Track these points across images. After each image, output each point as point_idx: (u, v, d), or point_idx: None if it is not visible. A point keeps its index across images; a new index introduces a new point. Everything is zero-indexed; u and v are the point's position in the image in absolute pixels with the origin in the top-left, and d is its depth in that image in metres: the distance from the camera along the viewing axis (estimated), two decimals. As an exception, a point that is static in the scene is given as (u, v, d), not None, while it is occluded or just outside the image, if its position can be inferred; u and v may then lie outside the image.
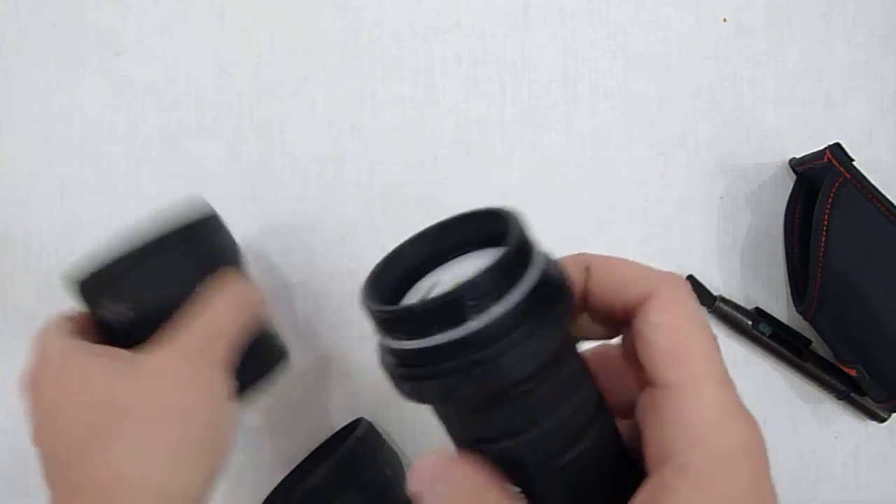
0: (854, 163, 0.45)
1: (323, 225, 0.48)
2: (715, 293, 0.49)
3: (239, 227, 0.48)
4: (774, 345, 0.48)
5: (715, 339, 0.20)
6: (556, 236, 0.48)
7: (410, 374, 0.18)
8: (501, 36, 0.50)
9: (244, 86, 0.49)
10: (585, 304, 0.22)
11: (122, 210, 0.47)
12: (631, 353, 0.21)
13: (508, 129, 0.49)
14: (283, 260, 0.48)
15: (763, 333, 0.48)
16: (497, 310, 0.18)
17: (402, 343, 0.18)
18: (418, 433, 0.48)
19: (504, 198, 0.49)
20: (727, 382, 0.19)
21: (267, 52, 0.49)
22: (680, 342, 0.20)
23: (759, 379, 0.50)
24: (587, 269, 0.21)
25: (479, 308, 0.17)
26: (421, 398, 0.19)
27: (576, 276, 0.21)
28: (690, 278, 0.49)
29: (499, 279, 0.18)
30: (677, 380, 0.19)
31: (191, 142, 0.48)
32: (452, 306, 0.17)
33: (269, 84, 0.49)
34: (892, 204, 0.45)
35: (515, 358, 0.18)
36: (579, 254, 0.22)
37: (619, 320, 0.21)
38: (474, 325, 0.17)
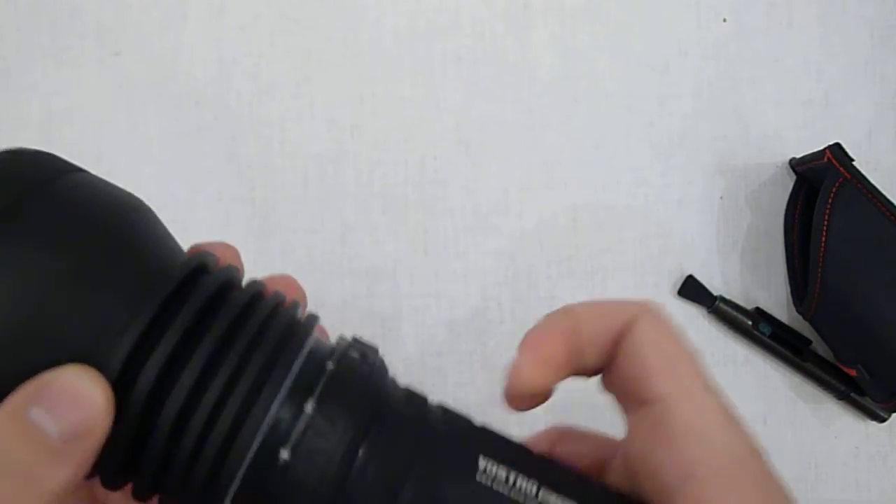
0: (854, 163, 0.45)
1: (323, 225, 0.48)
2: (715, 293, 0.49)
3: (239, 227, 0.48)
4: (774, 345, 0.48)
5: (697, 351, 0.21)
6: (556, 236, 0.48)
7: None
8: (501, 36, 0.50)
9: (244, 86, 0.49)
10: (574, 359, 0.22)
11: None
12: (615, 383, 0.21)
13: (508, 129, 0.49)
14: (283, 260, 0.48)
15: (763, 333, 0.48)
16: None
17: None
18: (418, 433, 0.48)
19: (504, 198, 0.49)
20: (718, 390, 0.20)
21: (267, 52, 0.49)
22: (671, 355, 0.20)
23: (759, 379, 0.50)
24: (568, 314, 0.22)
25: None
26: None
27: (562, 327, 0.22)
28: (690, 278, 0.49)
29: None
30: (675, 390, 0.19)
31: (191, 142, 0.48)
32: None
33: (269, 84, 0.49)
34: (892, 204, 0.45)
35: None
36: (559, 318, 0.22)
37: (601, 359, 0.22)
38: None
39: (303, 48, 0.49)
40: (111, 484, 0.18)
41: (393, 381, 0.21)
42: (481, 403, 0.48)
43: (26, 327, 0.17)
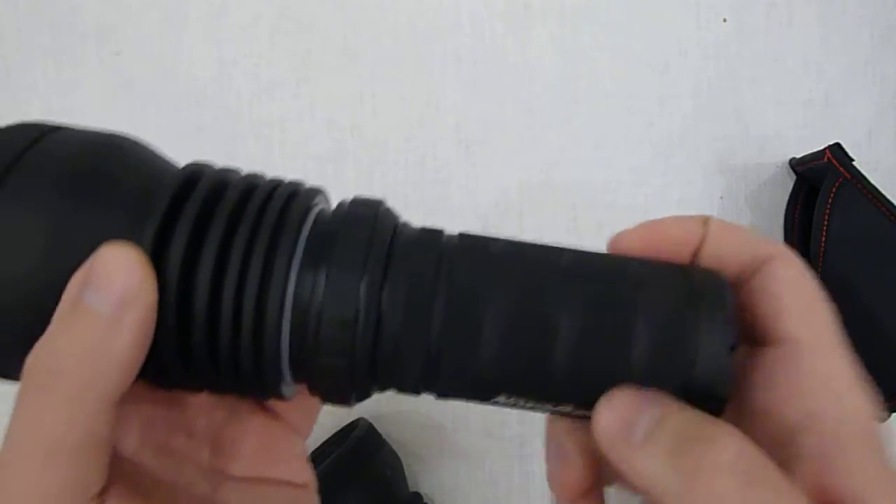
0: (854, 163, 0.45)
1: (323, 225, 0.48)
2: (715, 293, 0.49)
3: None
4: (774, 345, 0.48)
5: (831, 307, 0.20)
6: (556, 237, 0.48)
7: None
8: (501, 36, 0.50)
9: (244, 86, 0.49)
10: (696, 257, 0.21)
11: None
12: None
13: (508, 129, 0.49)
14: (283, 260, 0.48)
15: (763, 333, 0.48)
16: None
17: None
18: (418, 433, 0.48)
19: (504, 198, 0.49)
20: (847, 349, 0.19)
21: (267, 52, 0.49)
22: (809, 301, 0.19)
23: (759, 379, 0.50)
24: (705, 222, 0.21)
25: None
26: None
27: (693, 228, 0.21)
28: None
29: None
30: (810, 336, 0.19)
31: (191, 142, 0.48)
32: None
33: (269, 84, 0.49)
34: (892, 204, 0.45)
35: None
36: (691, 220, 0.22)
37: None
38: None
39: (303, 48, 0.49)
40: (171, 382, 0.20)
41: (405, 223, 0.21)
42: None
43: (63, 239, 0.18)
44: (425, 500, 0.45)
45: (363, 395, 0.21)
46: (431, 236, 0.20)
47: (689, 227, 0.21)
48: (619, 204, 0.49)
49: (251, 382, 0.20)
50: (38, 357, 0.17)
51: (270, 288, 0.18)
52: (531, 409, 0.20)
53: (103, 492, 0.18)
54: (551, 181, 0.49)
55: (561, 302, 0.19)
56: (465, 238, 0.20)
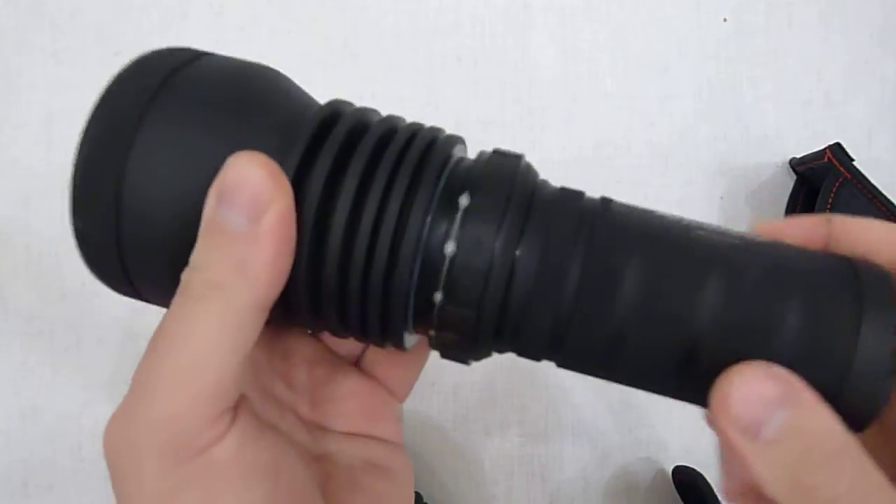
0: (854, 163, 0.45)
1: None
2: (715, 293, 0.49)
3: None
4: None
5: None
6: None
7: None
8: (501, 36, 0.50)
9: (244, 86, 0.49)
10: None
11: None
12: None
13: (508, 129, 0.49)
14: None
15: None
16: None
17: None
18: (418, 433, 0.48)
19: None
20: None
21: (267, 51, 0.49)
22: None
23: (759, 379, 0.50)
24: (828, 221, 0.20)
25: None
26: None
27: (815, 228, 0.20)
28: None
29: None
30: None
31: (191, 142, 0.48)
32: None
33: (269, 84, 0.49)
34: (892, 204, 0.45)
35: None
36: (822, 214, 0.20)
37: None
38: None
39: (303, 48, 0.49)
40: (307, 321, 0.20)
41: (544, 181, 0.21)
42: (482, 401, 0.48)
43: (208, 156, 0.18)
44: (425, 500, 0.45)
45: (483, 354, 0.20)
46: (572, 196, 0.20)
47: (810, 228, 0.20)
48: (619, 204, 0.49)
49: (375, 325, 0.19)
50: (191, 271, 0.18)
51: (407, 230, 0.18)
52: (655, 390, 0.19)
53: (236, 406, 0.18)
54: (551, 181, 0.49)
55: (708, 270, 0.17)
56: (606, 202, 0.20)
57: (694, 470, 0.44)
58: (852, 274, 0.17)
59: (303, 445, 0.22)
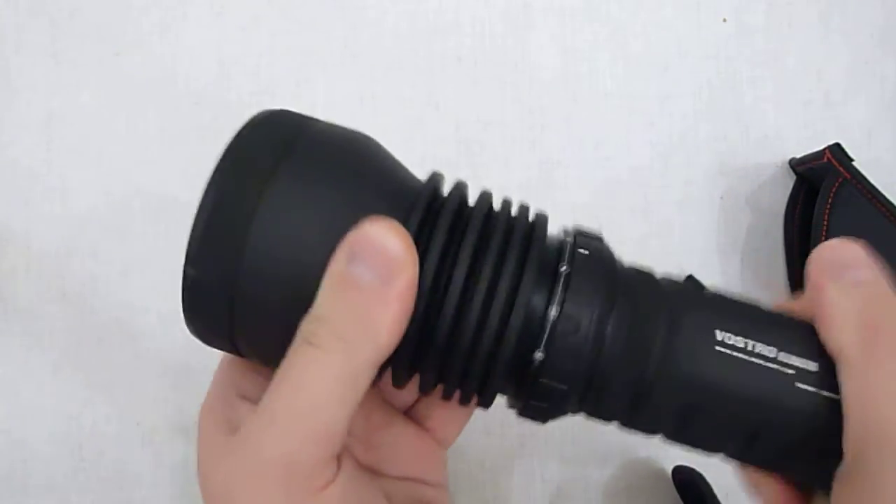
0: (854, 163, 0.45)
1: (323, 225, 0.48)
2: (715, 293, 0.49)
3: (239, 227, 0.48)
4: (774, 345, 0.48)
5: None
6: (556, 236, 0.48)
7: None
8: (501, 36, 0.50)
9: (244, 86, 0.49)
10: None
11: (122, 210, 0.47)
12: None
13: (508, 129, 0.49)
14: (283, 260, 0.48)
15: (763, 333, 0.48)
16: None
17: None
18: (418, 433, 0.48)
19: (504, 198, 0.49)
20: None
21: (267, 51, 0.49)
22: None
23: (759, 379, 0.50)
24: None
25: None
26: None
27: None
28: (690, 278, 0.49)
29: None
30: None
31: (191, 142, 0.48)
32: None
33: (269, 84, 0.49)
34: (892, 204, 0.45)
35: None
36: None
37: None
38: None
39: (303, 48, 0.49)
40: (401, 376, 0.21)
41: (620, 260, 0.23)
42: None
43: (333, 218, 0.20)
44: (425, 500, 0.45)
45: (560, 412, 0.22)
46: (649, 277, 0.22)
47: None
48: (619, 204, 0.49)
49: (474, 385, 0.21)
50: (315, 321, 0.19)
51: (516, 304, 0.20)
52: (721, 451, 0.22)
53: (340, 453, 0.20)
54: (551, 181, 0.49)
55: (770, 335, 0.20)
56: (675, 281, 0.22)
57: (694, 470, 0.44)
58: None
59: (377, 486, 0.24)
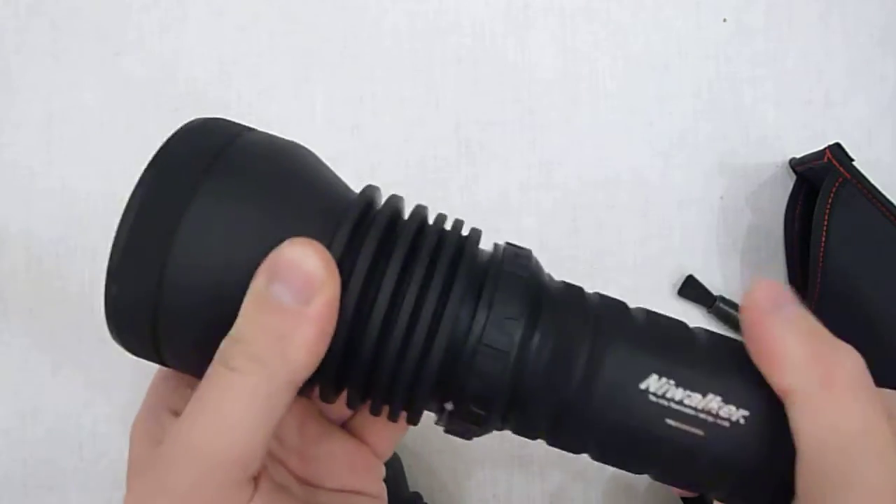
0: (854, 163, 0.45)
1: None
2: (715, 293, 0.49)
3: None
4: (774, 345, 0.48)
5: None
6: (556, 237, 0.48)
7: None
8: (501, 36, 0.50)
9: (244, 86, 0.49)
10: None
11: (122, 210, 0.47)
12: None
13: (508, 129, 0.49)
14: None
15: (763, 333, 0.48)
16: None
17: None
18: (418, 433, 0.48)
19: (504, 198, 0.49)
20: None
21: (267, 52, 0.49)
22: None
23: (759, 379, 0.50)
24: None
25: None
26: None
27: None
28: (690, 278, 0.49)
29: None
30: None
31: (191, 142, 0.48)
32: None
33: (269, 84, 0.49)
34: (892, 204, 0.45)
35: None
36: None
37: None
38: None
39: (303, 48, 0.49)
40: (328, 392, 0.21)
41: (549, 276, 0.23)
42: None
43: (256, 234, 0.19)
44: (425, 501, 0.45)
45: (485, 430, 0.22)
46: (576, 293, 0.22)
47: None
48: (619, 204, 0.49)
49: (400, 402, 0.21)
50: (232, 342, 0.19)
51: (442, 322, 0.20)
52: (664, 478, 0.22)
53: (257, 476, 0.19)
54: (551, 181, 0.49)
55: (697, 381, 0.20)
56: (605, 298, 0.22)
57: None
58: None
59: (301, 499, 0.23)
